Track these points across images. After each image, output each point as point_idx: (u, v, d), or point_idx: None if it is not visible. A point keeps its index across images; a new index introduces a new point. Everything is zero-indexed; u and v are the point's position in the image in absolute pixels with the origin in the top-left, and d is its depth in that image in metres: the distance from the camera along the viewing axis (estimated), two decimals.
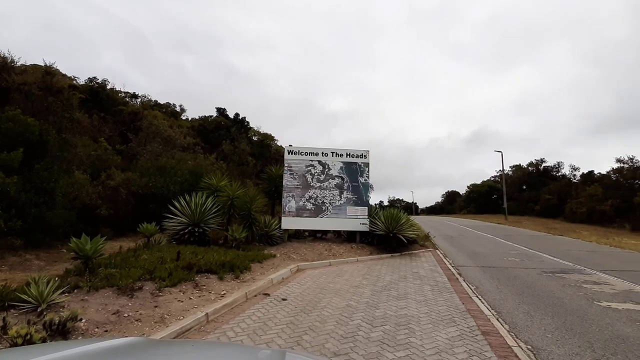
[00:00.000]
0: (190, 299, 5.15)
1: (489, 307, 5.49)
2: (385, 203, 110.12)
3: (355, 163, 13.02)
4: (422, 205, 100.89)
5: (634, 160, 28.08)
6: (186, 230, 9.56)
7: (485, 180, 67.90)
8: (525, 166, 53.46)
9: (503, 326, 4.58)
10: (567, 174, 45.62)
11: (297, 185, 12.56)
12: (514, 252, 12.18)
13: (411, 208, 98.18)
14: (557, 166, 48.32)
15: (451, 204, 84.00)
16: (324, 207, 12.48)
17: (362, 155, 13.13)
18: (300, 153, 12.89)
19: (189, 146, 19.28)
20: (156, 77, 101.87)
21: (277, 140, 43.62)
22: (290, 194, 12.46)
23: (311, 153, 12.93)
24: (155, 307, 4.66)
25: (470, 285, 7.02)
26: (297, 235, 13.49)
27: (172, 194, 12.05)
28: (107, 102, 25.73)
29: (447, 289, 6.60)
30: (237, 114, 41.81)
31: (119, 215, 12.39)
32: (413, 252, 12.06)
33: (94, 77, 26.80)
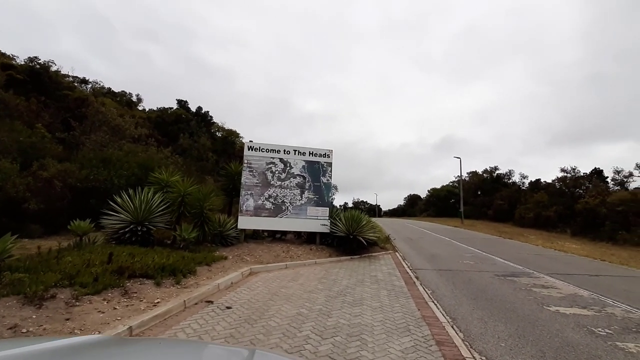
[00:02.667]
0: (115, 308, 4.44)
1: (444, 313, 5.33)
2: (350, 205, 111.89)
3: (318, 162, 12.67)
4: (386, 207, 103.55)
5: (576, 171, 30.59)
6: (127, 229, 8.62)
7: (444, 185, 70.97)
8: (481, 173, 56.49)
9: (458, 334, 4.39)
10: (517, 181, 48.87)
11: (257, 183, 11.96)
12: (469, 254, 12.46)
13: (375, 210, 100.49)
14: (508, 174, 51.62)
15: (412, 207, 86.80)
16: (283, 207, 11.99)
17: (325, 154, 12.80)
18: (261, 150, 12.29)
19: (140, 137, 17.85)
20: (120, 65, 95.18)
21: (242, 137, 42.26)
22: (249, 192, 11.83)
23: (273, 150, 12.38)
24: (67, 320, 3.93)
25: (426, 290, 6.89)
26: (255, 236, 12.88)
27: (117, 188, 10.93)
28: (49, 85, 23.32)
29: (404, 294, 6.40)
30: (199, 108, 40.02)
31: (52, 211, 11.04)
32: (373, 254, 11.92)
33: (35, 57, 24.18)
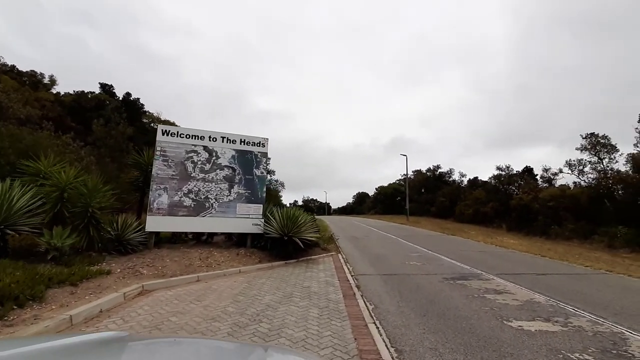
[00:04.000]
0: None
1: (388, 343, 3.98)
2: (300, 203, 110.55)
3: (251, 152, 10.88)
4: (337, 205, 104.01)
5: (510, 169, 32.50)
6: None
7: (391, 183, 72.74)
8: (425, 172, 58.52)
9: None
10: (457, 179, 51.37)
11: (173, 175, 9.83)
12: (415, 254, 11.62)
13: (324, 208, 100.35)
14: (449, 172, 54.13)
15: (361, 205, 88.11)
16: (207, 204, 10.02)
17: (259, 143, 11.06)
18: (179, 135, 10.16)
19: (31, 119, 14.42)
20: (48, 49, 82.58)
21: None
22: (162, 187, 9.66)
23: (195, 136, 10.32)
24: None
25: (368, 304, 5.56)
26: (175, 240, 10.73)
27: None
28: None
29: (339, 313, 4.98)
30: (127, 94, 35.55)
31: None
32: (312, 257, 10.48)
33: None
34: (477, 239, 17.56)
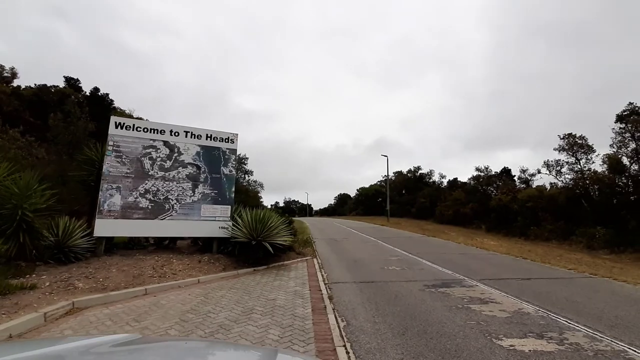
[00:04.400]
0: None
1: None
2: (282, 204, 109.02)
3: (219, 148, 9.98)
4: (319, 207, 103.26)
5: (488, 170, 32.81)
6: None
7: (372, 184, 72.79)
8: (405, 173, 58.81)
9: None
10: (437, 180, 51.79)
11: (128, 173, 8.80)
12: (395, 258, 11.02)
13: (306, 210, 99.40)
14: (429, 174, 54.51)
15: (342, 206, 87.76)
16: (167, 206, 9.04)
17: (227, 138, 10.17)
18: (136, 128, 9.14)
19: None
20: (18, 42, 77.37)
21: None
22: (115, 186, 8.62)
23: (154, 130, 9.32)
24: None
25: (339, 320, 4.82)
26: (132, 245, 9.68)
27: None
28: None
29: (305, 334, 4.22)
30: (96, 89, 33.54)
31: None
32: (285, 263, 9.68)
33: None
34: (457, 240, 17.24)
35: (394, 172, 61.42)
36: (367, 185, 73.88)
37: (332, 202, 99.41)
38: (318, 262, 10.02)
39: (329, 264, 9.91)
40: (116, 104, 35.68)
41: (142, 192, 8.83)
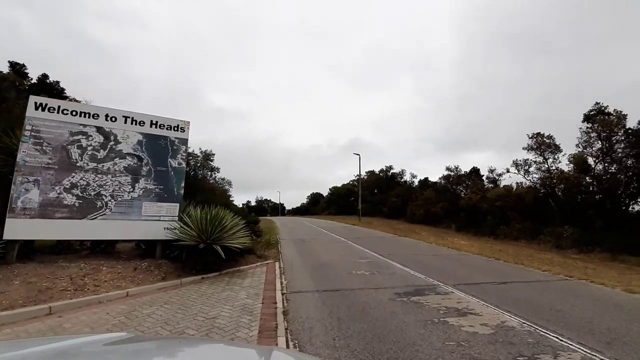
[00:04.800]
0: None
1: None
2: (253, 203, 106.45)
3: (166, 138, 8.69)
4: (291, 206, 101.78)
5: (458, 169, 33.18)
6: None
7: (345, 183, 72.53)
8: (378, 172, 58.92)
9: None
10: (408, 180, 52.18)
11: (50, 163, 7.34)
12: (364, 261, 10.22)
13: (278, 209, 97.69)
14: (401, 173, 54.88)
15: (315, 205, 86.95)
16: (99, 203, 7.66)
17: (177, 127, 8.90)
18: (62, 111, 7.66)
19: None
20: None
21: None
22: (32, 179, 7.15)
23: (85, 114, 7.88)
24: None
25: (291, 345, 3.85)
26: (61, 249, 8.17)
27: None
28: None
29: None
30: (44, 75, 30.50)
31: None
32: (241, 268, 8.58)
33: None
34: (428, 240, 16.82)
35: (366, 172, 61.48)
36: (339, 185, 73.55)
37: (305, 201, 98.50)
38: (280, 267, 9.01)
39: (292, 268, 8.92)
40: (70, 93, 32.69)
41: (67, 186, 7.39)
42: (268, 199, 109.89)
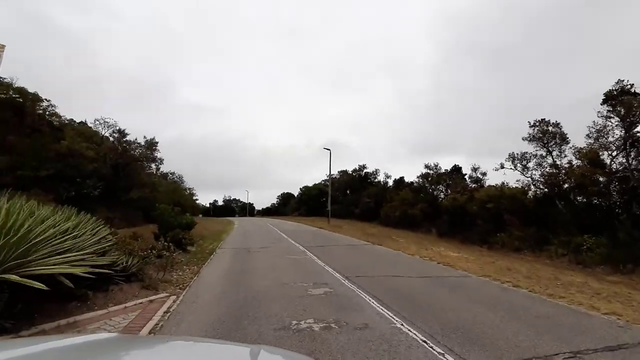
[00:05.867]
0: None
1: None
2: (221, 203, 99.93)
3: None
4: (262, 206, 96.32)
5: (438, 167, 30.38)
6: None
7: (316, 183, 68.70)
8: (351, 172, 55.51)
9: None
10: (382, 180, 49.23)
11: None
12: (321, 291, 6.45)
13: (245, 208, 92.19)
14: (374, 173, 51.77)
15: (285, 205, 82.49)
16: None
17: None
18: None
19: None
20: None
21: (54, 106, 28.25)
22: None
23: None
24: None
25: None
26: None
27: None
28: None
29: None
30: None
31: None
32: (82, 317, 4.54)
33: None
34: (409, 250, 13.36)
35: (339, 171, 58.04)
36: (311, 185, 69.71)
37: (275, 201, 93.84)
38: (168, 310, 5.05)
39: (189, 312, 4.99)
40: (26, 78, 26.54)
41: None
42: (237, 198, 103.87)
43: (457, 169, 29.82)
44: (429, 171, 30.04)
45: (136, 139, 27.87)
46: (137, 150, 28.16)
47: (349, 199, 48.11)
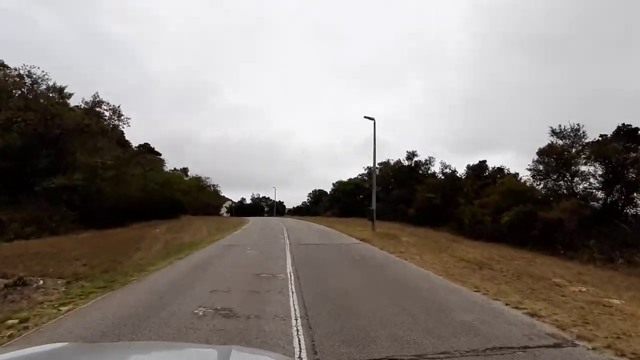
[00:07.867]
0: None
1: None
2: (249, 201, 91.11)
3: None
4: (293, 205, 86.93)
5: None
6: None
7: (352, 178, 57.55)
8: (393, 164, 43.49)
9: None
10: (437, 172, 37.15)
11: None
12: None
13: (273, 207, 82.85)
14: (427, 162, 39.60)
15: (317, 204, 72.29)
16: None
17: None
18: None
19: None
20: None
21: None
22: None
23: None
24: None
25: None
26: None
27: None
28: None
29: None
30: None
31: None
32: None
33: None
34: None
35: (379, 163, 45.97)
36: (345, 179, 58.58)
37: (307, 199, 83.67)
38: None
39: None
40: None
41: None
42: (267, 196, 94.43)
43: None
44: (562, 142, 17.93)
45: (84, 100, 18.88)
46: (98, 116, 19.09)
47: (394, 196, 36.65)
